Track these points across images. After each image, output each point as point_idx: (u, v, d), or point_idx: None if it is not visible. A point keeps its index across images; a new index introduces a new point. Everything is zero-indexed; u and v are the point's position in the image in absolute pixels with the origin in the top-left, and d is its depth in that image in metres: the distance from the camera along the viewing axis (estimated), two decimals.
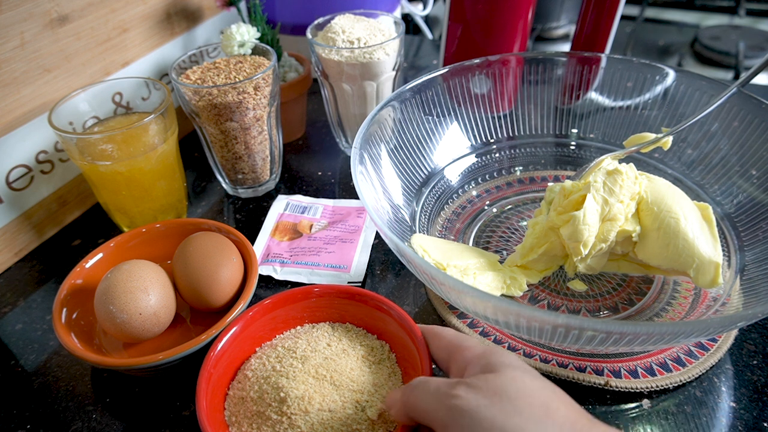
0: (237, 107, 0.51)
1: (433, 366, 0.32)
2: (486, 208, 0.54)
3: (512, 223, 0.52)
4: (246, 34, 0.55)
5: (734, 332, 0.41)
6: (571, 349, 0.40)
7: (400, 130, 0.52)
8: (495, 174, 0.57)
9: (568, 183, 0.44)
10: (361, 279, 0.48)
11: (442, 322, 0.43)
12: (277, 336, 0.36)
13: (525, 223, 0.52)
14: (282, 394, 0.30)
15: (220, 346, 0.34)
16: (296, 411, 0.30)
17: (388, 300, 0.35)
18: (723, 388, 0.38)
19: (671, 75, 0.53)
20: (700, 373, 0.38)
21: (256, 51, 0.56)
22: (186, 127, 0.68)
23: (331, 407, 0.30)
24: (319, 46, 0.56)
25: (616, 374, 0.38)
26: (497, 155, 0.58)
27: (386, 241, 0.39)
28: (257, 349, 0.36)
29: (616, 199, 0.41)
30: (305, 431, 0.29)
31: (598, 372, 0.38)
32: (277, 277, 0.48)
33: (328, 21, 0.59)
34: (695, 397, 0.38)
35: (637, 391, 0.37)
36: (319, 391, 0.31)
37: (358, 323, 0.37)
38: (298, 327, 0.37)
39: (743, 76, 0.45)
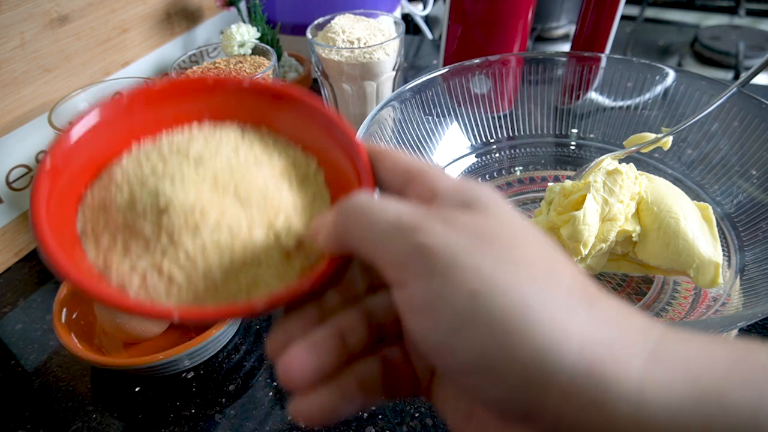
0: None
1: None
2: None
3: None
4: (246, 34, 0.55)
5: (734, 332, 0.41)
6: None
7: (400, 130, 0.52)
8: (495, 174, 0.57)
9: (568, 183, 0.44)
10: None
11: None
12: (164, 131, 0.26)
13: None
14: (162, 202, 0.21)
15: (75, 130, 0.23)
16: (181, 225, 0.21)
17: (320, 102, 0.26)
18: None
19: (671, 75, 0.53)
20: None
21: (256, 51, 0.56)
22: None
23: (232, 227, 0.22)
24: (319, 46, 0.56)
25: None
26: (497, 155, 0.58)
27: None
28: (133, 145, 0.25)
29: (616, 199, 0.41)
30: (192, 255, 0.21)
31: None
32: None
33: (328, 21, 0.59)
34: None
35: None
36: (216, 205, 0.22)
37: (276, 129, 0.27)
38: (195, 124, 0.26)
39: (743, 76, 0.45)
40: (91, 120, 0.23)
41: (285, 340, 0.20)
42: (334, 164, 0.25)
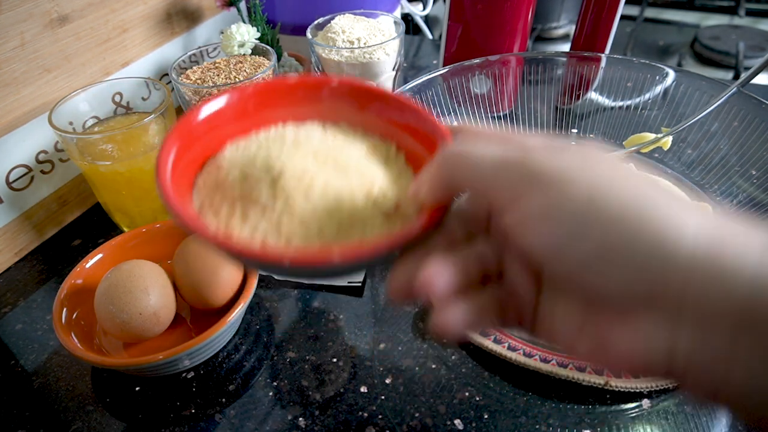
0: None
1: None
2: None
3: None
4: (246, 34, 0.55)
5: None
6: None
7: None
8: None
9: None
10: (360, 279, 0.48)
11: None
12: (253, 132, 0.28)
13: None
14: (276, 171, 0.23)
15: (173, 147, 0.24)
16: (295, 188, 0.22)
17: (403, 97, 0.27)
18: None
19: (671, 75, 0.53)
20: None
21: (256, 51, 0.56)
22: None
23: (338, 192, 0.23)
24: (319, 46, 0.56)
25: (616, 374, 0.38)
26: None
27: None
28: (229, 143, 0.27)
29: None
30: (308, 217, 0.22)
31: (598, 372, 0.38)
32: (277, 276, 0.49)
33: (328, 21, 0.59)
34: None
35: (637, 391, 0.37)
36: (322, 172, 0.23)
37: (354, 123, 0.29)
38: (280, 125, 0.28)
39: (743, 76, 0.45)
40: (184, 127, 0.25)
41: (406, 278, 0.21)
42: (413, 147, 0.27)
